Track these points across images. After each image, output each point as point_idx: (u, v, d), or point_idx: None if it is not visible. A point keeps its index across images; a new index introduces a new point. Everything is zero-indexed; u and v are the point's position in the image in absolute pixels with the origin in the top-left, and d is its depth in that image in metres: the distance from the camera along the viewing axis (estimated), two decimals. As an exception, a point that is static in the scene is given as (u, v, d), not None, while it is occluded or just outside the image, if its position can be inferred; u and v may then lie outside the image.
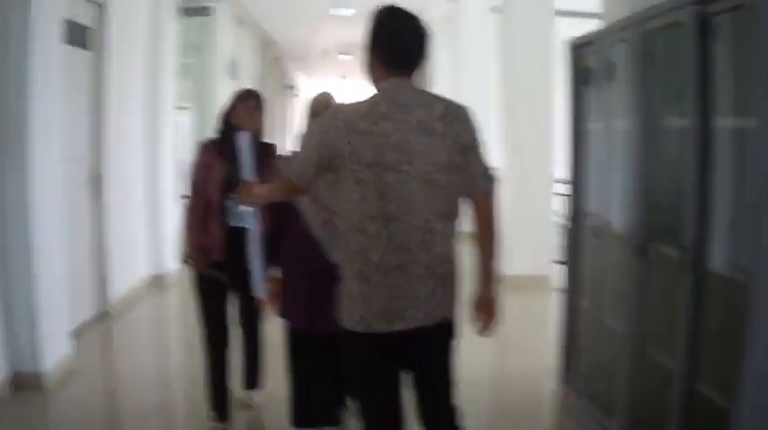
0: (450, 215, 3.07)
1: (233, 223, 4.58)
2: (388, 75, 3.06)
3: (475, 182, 3.09)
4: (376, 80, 3.12)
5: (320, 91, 4.38)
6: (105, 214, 7.72)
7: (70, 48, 6.78)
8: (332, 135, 2.96)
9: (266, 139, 4.85)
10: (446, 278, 3.08)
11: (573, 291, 5.24)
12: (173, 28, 9.42)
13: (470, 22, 12.89)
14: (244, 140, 4.29)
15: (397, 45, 3.08)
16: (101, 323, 7.50)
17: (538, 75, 9.01)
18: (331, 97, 4.23)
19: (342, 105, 3.28)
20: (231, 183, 4.33)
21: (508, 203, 8.61)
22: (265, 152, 4.63)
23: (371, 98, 3.05)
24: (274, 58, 21.45)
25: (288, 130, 27.41)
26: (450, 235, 3.08)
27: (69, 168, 6.75)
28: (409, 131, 2.95)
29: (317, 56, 22.30)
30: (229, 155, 4.47)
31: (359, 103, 3.05)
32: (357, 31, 12.41)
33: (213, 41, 12.53)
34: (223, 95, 12.58)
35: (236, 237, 4.47)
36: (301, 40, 19.14)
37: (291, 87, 27.90)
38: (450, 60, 14.34)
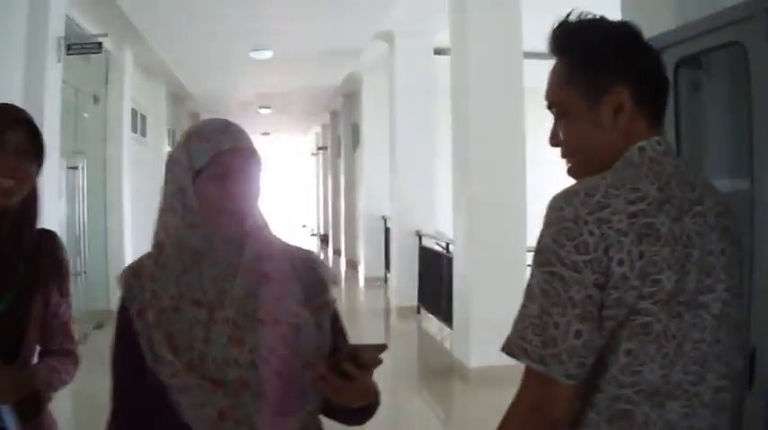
0: (743, 376, 1.89)
1: None
2: (648, 129, 1.73)
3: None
4: (614, 138, 1.73)
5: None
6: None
7: None
8: (599, 240, 1.56)
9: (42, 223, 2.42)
10: None
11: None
12: (55, 69, 7.51)
13: (408, 65, 11.59)
14: None
15: (659, 77, 1.79)
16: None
17: (508, 124, 7.56)
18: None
19: (591, 182, 1.65)
20: None
21: (471, 278, 7.43)
22: (40, 258, 2.36)
23: (642, 169, 1.67)
24: (190, 113, 19.81)
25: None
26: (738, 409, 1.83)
27: None
28: (711, 234, 1.67)
29: (237, 110, 20.66)
30: None
31: (626, 176, 1.64)
32: (276, 78, 11.03)
33: (113, 90, 10.84)
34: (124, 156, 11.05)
35: None
36: (219, 91, 17.38)
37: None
38: (381, 110, 13.37)
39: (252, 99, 18.46)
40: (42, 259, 2.33)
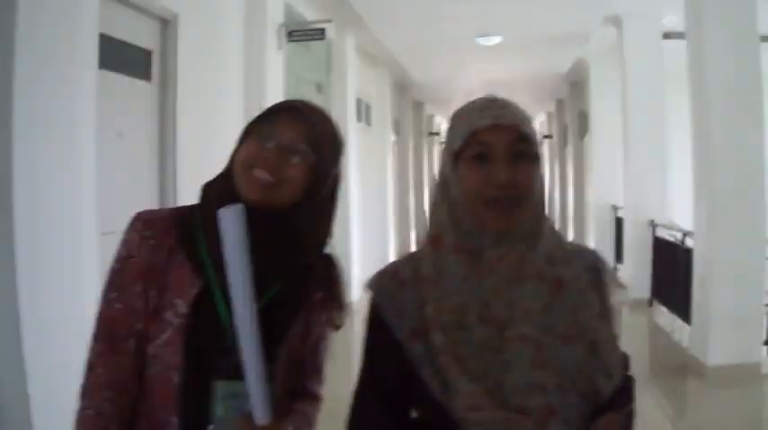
0: None
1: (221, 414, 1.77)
2: None
3: None
4: None
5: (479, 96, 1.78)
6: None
7: (118, 76, 4.99)
8: None
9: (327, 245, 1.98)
10: None
11: None
12: (276, 57, 7.44)
13: (637, 49, 10.96)
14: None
15: None
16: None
17: (747, 108, 6.99)
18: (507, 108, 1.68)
19: None
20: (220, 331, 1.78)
21: (713, 269, 7.04)
22: (313, 285, 1.91)
23: None
24: (413, 102, 19.70)
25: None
26: None
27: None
28: None
29: (461, 98, 20.29)
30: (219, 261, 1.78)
31: None
32: (502, 66, 10.69)
33: (336, 79, 10.69)
34: (351, 145, 10.88)
35: None
36: (443, 78, 17.11)
37: (437, 134, 25.89)
38: (609, 97, 12.82)
39: (476, 87, 18.11)
40: (311, 281, 1.91)
